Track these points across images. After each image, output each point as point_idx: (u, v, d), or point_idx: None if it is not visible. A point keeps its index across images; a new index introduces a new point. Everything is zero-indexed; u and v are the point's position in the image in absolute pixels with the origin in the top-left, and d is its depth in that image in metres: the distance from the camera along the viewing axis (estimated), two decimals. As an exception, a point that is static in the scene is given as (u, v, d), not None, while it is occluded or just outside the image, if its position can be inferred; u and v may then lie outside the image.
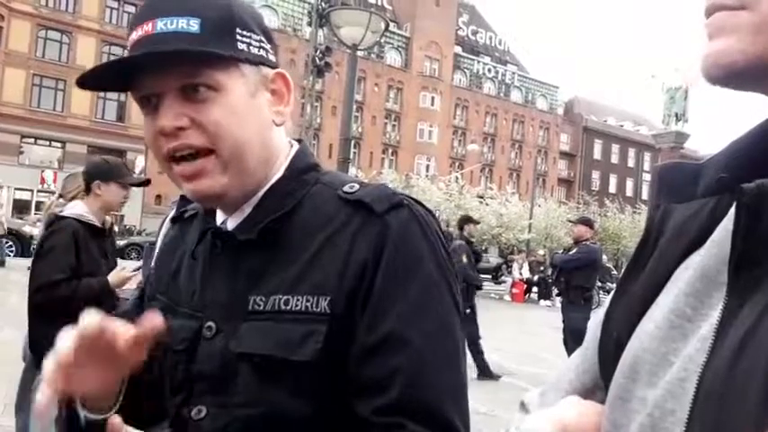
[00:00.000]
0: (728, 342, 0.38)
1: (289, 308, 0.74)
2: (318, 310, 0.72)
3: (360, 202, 0.77)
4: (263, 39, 0.79)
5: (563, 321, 6.64)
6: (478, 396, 5.37)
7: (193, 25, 0.72)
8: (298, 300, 0.73)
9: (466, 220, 7.42)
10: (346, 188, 0.79)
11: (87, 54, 32.01)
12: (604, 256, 25.29)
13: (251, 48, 0.77)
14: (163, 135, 0.74)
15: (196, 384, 0.78)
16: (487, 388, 6.38)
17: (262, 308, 0.75)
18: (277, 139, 0.83)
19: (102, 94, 32.33)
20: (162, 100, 0.74)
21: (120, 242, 18.53)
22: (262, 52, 0.79)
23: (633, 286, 0.51)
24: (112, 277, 2.63)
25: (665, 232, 0.50)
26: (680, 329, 0.43)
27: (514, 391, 6.31)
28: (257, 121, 0.78)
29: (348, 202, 0.78)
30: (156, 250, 2.03)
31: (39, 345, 2.65)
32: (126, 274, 2.62)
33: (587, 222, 6.96)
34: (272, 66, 0.81)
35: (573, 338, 6.28)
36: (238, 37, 0.76)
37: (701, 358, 0.40)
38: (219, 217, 0.85)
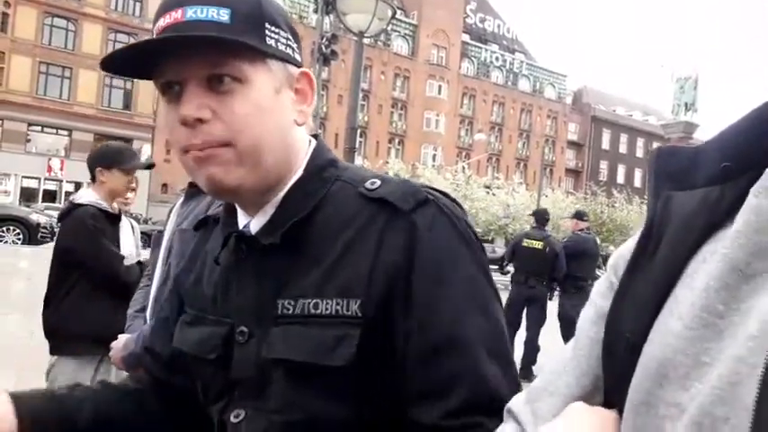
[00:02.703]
0: None
1: (319, 312, 0.72)
2: (349, 313, 0.71)
3: (383, 201, 0.75)
4: (290, 36, 0.78)
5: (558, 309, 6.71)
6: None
7: (224, 15, 0.71)
8: (327, 303, 0.72)
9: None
10: (367, 185, 0.78)
11: (93, 41, 32.00)
12: (612, 247, 25.29)
13: (278, 44, 0.76)
14: (184, 125, 0.72)
15: (236, 390, 0.78)
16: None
17: (291, 312, 0.74)
18: (297, 138, 0.81)
19: (108, 81, 32.36)
20: (185, 88, 0.72)
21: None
22: (288, 50, 0.78)
23: (640, 282, 0.48)
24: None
25: (669, 223, 0.48)
26: (712, 327, 0.41)
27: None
28: (279, 118, 0.77)
29: (371, 200, 0.76)
30: (165, 239, 2.02)
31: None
32: None
33: (577, 215, 7.17)
34: (298, 64, 0.80)
35: (563, 325, 6.48)
36: (267, 32, 0.75)
37: (758, 359, 0.37)
38: (242, 219, 0.83)
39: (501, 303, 0.78)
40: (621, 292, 0.50)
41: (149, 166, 2.78)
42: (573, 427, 0.48)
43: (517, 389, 0.71)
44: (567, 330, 6.59)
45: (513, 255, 6.72)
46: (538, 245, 6.45)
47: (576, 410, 0.50)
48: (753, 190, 0.42)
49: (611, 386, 0.50)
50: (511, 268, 6.96)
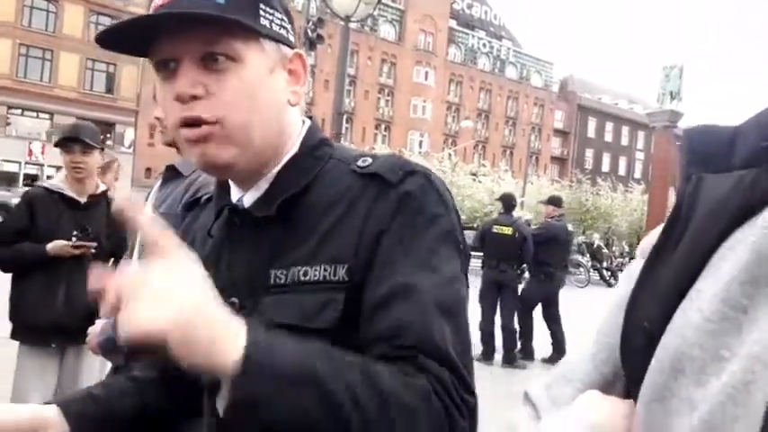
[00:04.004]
0: None
1: (308, 278, 0.75)
2: (336, 278, 0.74)
3: (374, 175, 0.78)
4: (284, 17, 0.81)
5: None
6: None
7: None
8: (316, 270, 0.75)
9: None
10: (360, 162, 0.81)
11: (75, 23, 31.40)
12: (596, 235, 25.46)
13: (273, 25, 0.78)
14: (177, 101, 0.74)
15: None
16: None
17: (283, 281, 0.76)
18: (291, 118, 0.83)
19: (90, 65, 31.83)
20: (180, 65, 0.74)
21: (110, 215, 18.36)
22: (282, 31, 0.80)
23: (663, 269, 0.46)
24: (51, 246, 2.59)
25: (697, 207, 0.45)
26: (734, 322, 0.38)
27: (494, 368, 6.35)
28: (272, 98, 0.79)
29: (363, 175, 0.79)
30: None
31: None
32: (66, 248, 2.59)
33: (552, 201, 7.27)
34: (291, 45, 0.82)
35: (522, 305, 6.74)
36: (261, 12, 0.77)
37: None
38: (235, 194, 0.85)
39: (466, 284, 0.78)
40: (642, 279, 0.48)
41: (64, 146, 2.65)
42: (582, 415, 0.46)
43: (465, 354, 0.72)
44: (525, 313, 6.77)
45: (482, 242, 6.79)
46: (507, 230, 6.57)
47: (588, 398, 0.48)
48: None
49: (628, 377, 0.48)
50: None
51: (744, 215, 0.41)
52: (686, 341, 0.40)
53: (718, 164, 0.45)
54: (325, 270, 0.74)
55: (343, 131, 8.75)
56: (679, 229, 0.46)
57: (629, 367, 0.47)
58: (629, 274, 0.52)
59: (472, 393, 0.69)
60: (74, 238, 2.62)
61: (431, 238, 0.74)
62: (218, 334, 0.57)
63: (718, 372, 0.38)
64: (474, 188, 30.78)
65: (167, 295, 0.54)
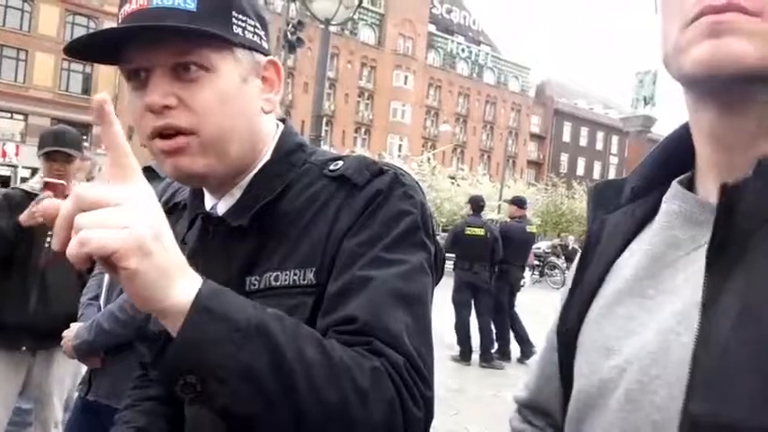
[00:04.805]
0: (719, 315, 0.43)
1: (278, 283, 0.75)
2: (305, 282, 0.74)
3: (342, 177, 0.79)
4: (257, 25, 0.79)
5: None
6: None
7: (190, 2, 0.72)
8: (286, 274, 0.75)
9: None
10: (331, 167, 0.81)
11: (50, 23, 30.85)
12: (571, 237, 25.73)
13: (246, 32, 0.77)
14: (149, 112, 0.73)
15: None
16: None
17: (257, 287, 0.77)
18: (264, 126, 0.83)
19: (66, 65, 31.28)
20: (151, 75, 0.73)
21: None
22: (256, 38, 0.79)
23: (581, 284, 0.61)
24: (22, 216, 2.49)
25: (601, 239, 0.63)
26: (641, 305, 0.52)
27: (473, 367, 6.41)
28: (246, 107, 0.78)
29: (333, 179, 0.79)
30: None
31: None
32: (31, 209, 2.47)
33: (515, 201, 7.39)
34: (265, 53, 0.81)
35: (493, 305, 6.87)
36: (234, 20, 0.75)
37: (682, 328, 0.46)
38: (208, 201, 0.85)
39: (432, 280, 0.78)
40: (570, 294, 0.64)
41: (46, 154, 2.60)
42: None
43: (424, 345, 0.70)
44: (496, 313, 6.80)
45: (454, 244, 6.76)
46: (480, 231, 6.61)
47: None
48: (664, 198, 0.55)
49: (564, 368, 0.62)
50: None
51: (633, 233, 0.59)
52: (610, 326, 0.54)
53: (613, 205, 0.64)
54: (294, 275, 0.75)
55: (323, 134, 8.75)
56: (590, 257, 0.63)
57: (565, 356, 0.61)
58: (560, 298, 0.69)
59: (428, 385, 0.68)
60: (47, 243, 2.54)
61: (393, 234, 0.74)
62: (173, 269, 0.55)
63: (632, 344, 0.50)
64: (453, 191, 30.96)
65: (127, 219, 0.52)
